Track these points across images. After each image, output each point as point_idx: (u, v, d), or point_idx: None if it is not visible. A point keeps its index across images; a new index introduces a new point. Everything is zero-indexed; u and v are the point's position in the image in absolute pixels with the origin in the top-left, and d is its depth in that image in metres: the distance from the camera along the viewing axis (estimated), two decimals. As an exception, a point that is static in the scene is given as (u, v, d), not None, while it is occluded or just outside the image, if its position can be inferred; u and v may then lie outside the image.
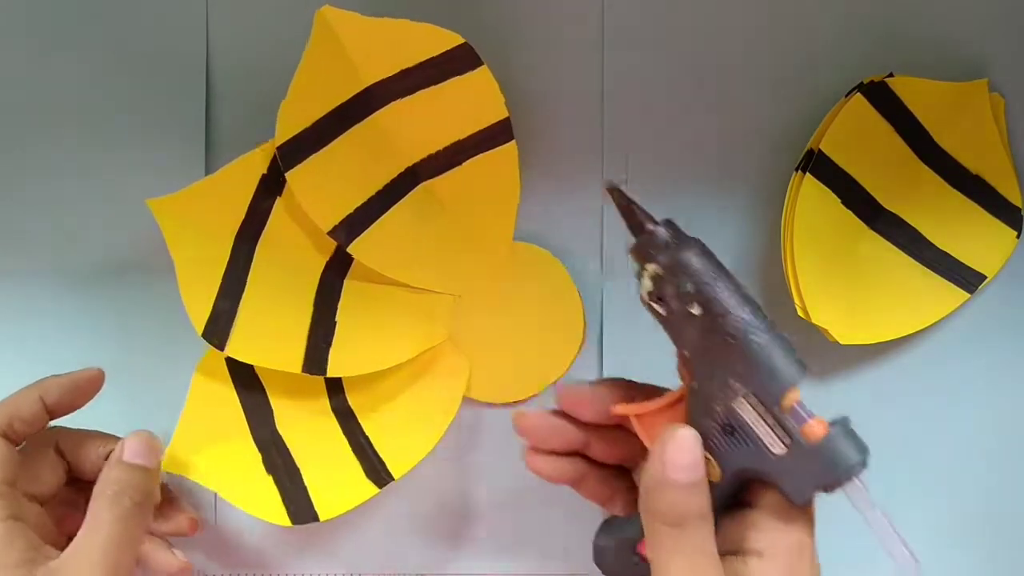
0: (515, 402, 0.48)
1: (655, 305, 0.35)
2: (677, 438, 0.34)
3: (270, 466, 0.44)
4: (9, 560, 0.35)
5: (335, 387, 0.47)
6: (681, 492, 0.33)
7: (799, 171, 0.46)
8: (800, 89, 0.48)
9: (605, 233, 0.48)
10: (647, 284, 0.35)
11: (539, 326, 0.48)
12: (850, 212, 0.46)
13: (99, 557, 0.36)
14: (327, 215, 0.45)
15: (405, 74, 0.44)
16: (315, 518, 0.43)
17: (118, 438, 0.42)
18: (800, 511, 0.34)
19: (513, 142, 0.45)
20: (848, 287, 0.46)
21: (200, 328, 0.43)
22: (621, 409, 0.37)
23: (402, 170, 0.46)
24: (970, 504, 0.48)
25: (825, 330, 0.45)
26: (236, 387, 0.46)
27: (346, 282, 0.47)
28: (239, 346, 0.44)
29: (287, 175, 0.44)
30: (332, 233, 0.45)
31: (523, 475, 0.47)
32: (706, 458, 0.34)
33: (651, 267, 0.35)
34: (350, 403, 0.46)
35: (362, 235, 0.45)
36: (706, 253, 0.35)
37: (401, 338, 0.46)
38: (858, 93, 0.46)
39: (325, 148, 0.45)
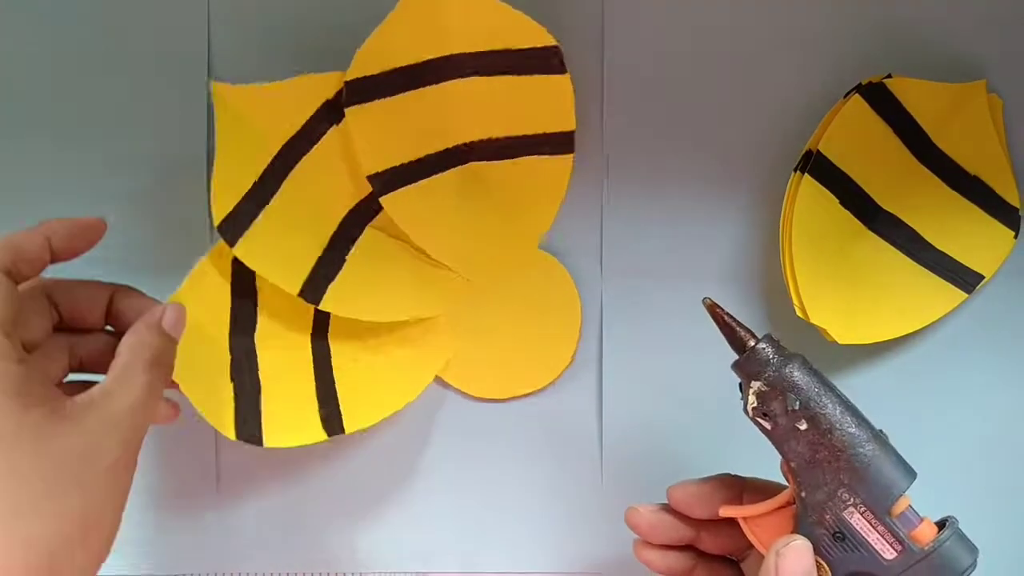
0: (506, 399, 0.48)
1: (760, 420, 0.37)
2: (791, 548, 0.36)
3: (236, 374, 0.44)
4: (33, 400, 0.34)
5: (321, 327, 0.46)
6: None
7: (798, 171, 0.46)
8: (799, 89, 0.48)
9: (605, 233, 0.48)
10: (752, 400, 0.37)
11: (537, 331, 0.48)
12: (848, 212, 0.46)
13: (127, 412, 0.36)
14: (373, 160, 0.45)
15: (490, 55, 0.45)
16: (259, 442, 0.43)
17: (113, 285, 0.41)
18: None
19: (572, 155, 0.46)
20: (846, 287, 0.46)
21: (217, 220, 0.43)
22: (730, 512, 0.39)
23: (458, 143, 0.46)
24: (969, 504, 0.48)
25: (823, 330, 0.45)
26: (232, 289, 0.45)
27: (368, 228, 0.47)
28: (247, 249, 0.43)
29: (346, 110, 0.44)
30: (371, 179, 0.45)
31: (526, 475, 0.48)
32: (818, 563, 0.36)
33: (756, 384, 0.36)
34: (330, 346, 0.46)
35: (398, 191, 0.46)
36: (808, 368, 0.37)
37: (399, 298, 0.46)
38: (856, 94, 0.46)
39: (390, 97, 0.45)
